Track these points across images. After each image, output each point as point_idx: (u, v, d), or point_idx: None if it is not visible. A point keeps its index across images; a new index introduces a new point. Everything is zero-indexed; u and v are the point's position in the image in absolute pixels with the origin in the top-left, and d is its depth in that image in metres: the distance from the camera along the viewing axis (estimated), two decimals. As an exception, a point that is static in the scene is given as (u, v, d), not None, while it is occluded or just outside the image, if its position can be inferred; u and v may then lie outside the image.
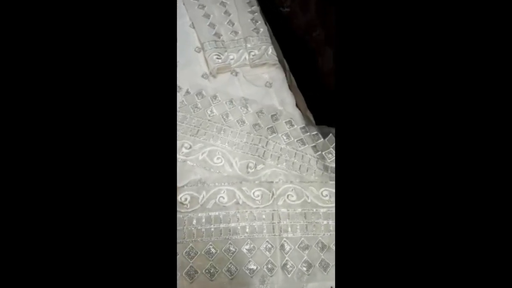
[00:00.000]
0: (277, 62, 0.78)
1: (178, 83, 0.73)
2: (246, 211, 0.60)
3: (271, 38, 0.82)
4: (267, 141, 0.68)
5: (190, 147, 0.66)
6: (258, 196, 0.62)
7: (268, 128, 0.70)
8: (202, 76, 0.75)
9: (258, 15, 0.86)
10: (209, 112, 0.70)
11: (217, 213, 0.60)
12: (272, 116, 0.72)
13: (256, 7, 0.88)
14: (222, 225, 0.59)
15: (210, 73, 0.75)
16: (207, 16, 0.83)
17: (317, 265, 0.57)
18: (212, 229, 0.58)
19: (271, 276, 0.56)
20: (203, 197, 0.61)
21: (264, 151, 0.67)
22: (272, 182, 0.64)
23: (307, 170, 0.66)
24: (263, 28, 0.83)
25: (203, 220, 0.59)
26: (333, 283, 0.56)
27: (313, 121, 0.79)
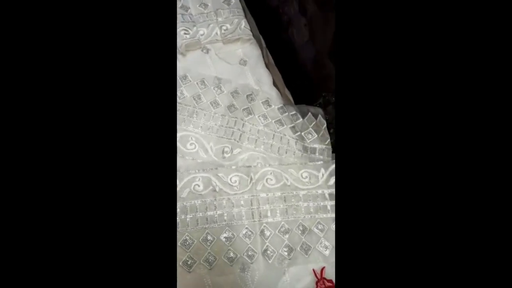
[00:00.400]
0: (252, 37, 0.73)
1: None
2: (224, 198, 0.57)
3: (244, 11, 0.76)
4: (243, 123, 0.64)
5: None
6: (235, 182, 0.59)
7: (243, 110, 0.65)
8: (170, 54, 0.69)
9: (229, -15, 0.79)
10: (179, 94, 0.65)
11: (192, 202, 0.56)
12: (247, 96, 0.67)
13: (226, -23, 0.81)
14: (198, 214, 0.56)
15: (178, 50, 0.68)
16: (172, -14, 0.75)
17: (298, 248, 0.56)
18: (188, 219, 0.55)
19: (251, 263, 0.54)
20: (180, 185, 0.57)
21: (241, 134, 0.63)
22: (250, 166, 0.60)
23: (286, 152, 0.63)
24: (234, 0, 0.76)
25: (178, 210, 0.55)
26: (314, 266, 0.55)
27: (292, 100, 0.75)
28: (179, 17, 0.70)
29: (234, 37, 0.71)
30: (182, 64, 0.68)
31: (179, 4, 0.73)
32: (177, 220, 0.55)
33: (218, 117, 0.64)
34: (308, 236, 0.57)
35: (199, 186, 0.58)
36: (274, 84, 0.71)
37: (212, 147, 0.61)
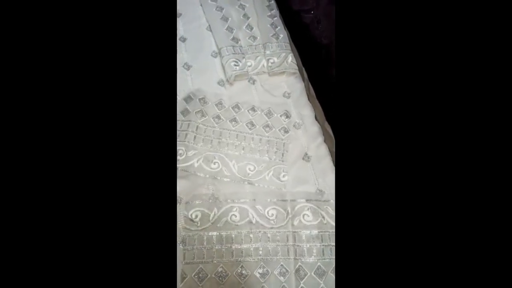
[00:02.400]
0: (297, 71, 0.75)
1: (193, 89, 0.70)
2: (259, 232, 0.57)
3: (290, 44, 0.79)
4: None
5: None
6: (272, 215, 0.59)
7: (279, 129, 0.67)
8: (218, 83, 0.72)
9: (278, 20, 0.82)
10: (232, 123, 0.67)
11: (228, 233, 0.57)
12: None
13: (275, 11, 0.84)
14: (234, 246, 0.56)
15: (227, 80, 0.71)
16: (225, 19, 0.79)
17: None
18: (224, 250, 0.55)
19: None
20: (215, 215, 0.58)
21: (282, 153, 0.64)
22: (287, 200, 0.60)
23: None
24: (283, 34, 0.79)
25: (214, 239, 0.56)
26: None
27: (332, 134, 0.75)
28: (230, 48, 0.74)
29: (280, 70, 0.74)
30: (229, 93, 0.71)
31: (230, 36, 0.77)
32: (213, 250, 0.55)
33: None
34: None
35: (235, 216, 0.58)
36: (316, 118, 0.72)
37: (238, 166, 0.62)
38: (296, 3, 0.88)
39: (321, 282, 0.54)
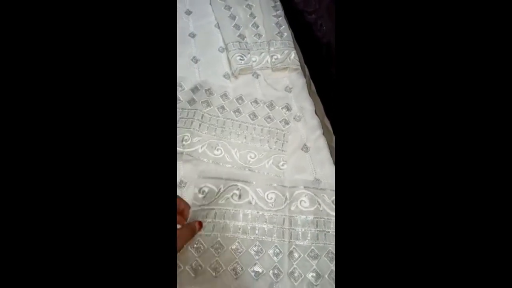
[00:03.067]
0: (299, 67, 0.79)
1: (200, 80, 0.74)
2: (258, 213, 0.61)
3: (293, 42, 0.83)
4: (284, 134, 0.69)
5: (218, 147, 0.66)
6: (271, 198, 0.62)
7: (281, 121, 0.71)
8: (224, 76, 0.76)
9: (282, 20, 0.87)
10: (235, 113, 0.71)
11: (228, 209, 0.60)
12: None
13: (280, 12, 0.89)
14: (232, 223, 0.59)
15: (232, 73, 0.75)
16: (232, 17, 0.84)
17: (326, 276, 0.56)
18: (222, 225, 0.58)
19: (276, 282, 0.55)
20: (220, 190, 0.61)
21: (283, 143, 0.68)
22: (286, 186, 0.64)
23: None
24: (287, 33, 0.83)
25: (213, 213, 0.59)
26: None
27: (331, 128, 0.78)
28: (236, 44, 0.78)
29: (283, 66, 0.78)
30: (233, 85, 0.75)
31: (237, 33, 0.81)
32: (213, 224, 0.58)
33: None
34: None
35: (236, 195, 0.61)
36: (315, 112, 0.75)
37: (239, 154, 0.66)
38: (300, 4, 0.92)
39: (314, 264, 0.57)
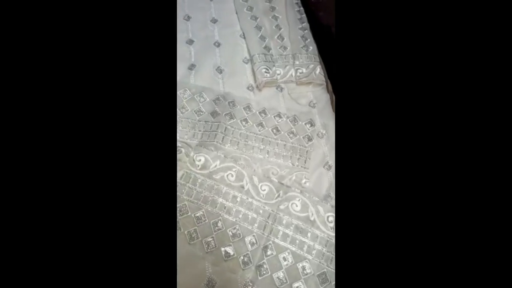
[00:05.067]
0: (324, 82, 0.78)
1: (223, 91, 0.73)
2: (247, 199, 0.60)
3: (319, 57, 0.82)
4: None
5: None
6: (264, 190, 0.62)
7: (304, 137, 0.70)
8: (248, 87, 0.75)
9: (308, 33, 0.86)
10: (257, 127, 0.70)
11: (220, 186, 0.60)
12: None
13: (306, 24, 0.88)
14: (220, 200, 0.60)
15: (257, 86, 0.75)
16: (258, 28, 0.83)
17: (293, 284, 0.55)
18: (210, 199, 0.59)
19: (243, 269, 0.55)
20: (216, 166, 0.62)
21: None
22: (283, 184, 0.63)
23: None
24: (312, 46, 0.82)
25: (206, 185, 0.60)
26: None
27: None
28: (261, 56, 0.77)
29: (308, 80, 0.77)
30: (257, 98, 0.74)
31: (262, 45, 0.80)
32: (202, 194, 0.59)
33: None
34: (307, 279, 0.56)
35: (232, 176, 0.62)
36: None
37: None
38: (324, 18, 0.91)
39: (283, 266, 0.56)
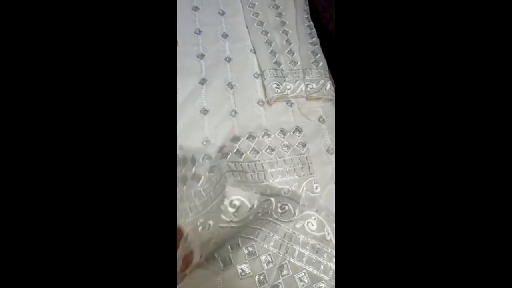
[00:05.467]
0: (334, 98, 0.78)
1: (234, 107, 0.74)
2: (265, 218, 0.60)
3: (329, 72, 0.82)
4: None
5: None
6: (283, 209, 0.61)
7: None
8: (258, 102, 0.76)
9: (318, 48, 0.86)
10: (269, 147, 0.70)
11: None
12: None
13: (316, 39, 0.88)
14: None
15: (268, 101, 0.75)
16: (269, 43, 0.84)
17: None
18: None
19: None
20: (253, 206, 0.61)
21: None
22: (299, 204, 0.62)
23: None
24: (322, 62, 0.83)
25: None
26: None
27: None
28: (272, 71, 0.78)
29: (318, 96, 0.77)
30: (267, 112, 0.75)
31: (273, 60, 0.81)
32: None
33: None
34: None
35: (265, 206, 0.61)
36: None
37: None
38: (333, 31, 0.91)
39: (299, 287, 0.55)
